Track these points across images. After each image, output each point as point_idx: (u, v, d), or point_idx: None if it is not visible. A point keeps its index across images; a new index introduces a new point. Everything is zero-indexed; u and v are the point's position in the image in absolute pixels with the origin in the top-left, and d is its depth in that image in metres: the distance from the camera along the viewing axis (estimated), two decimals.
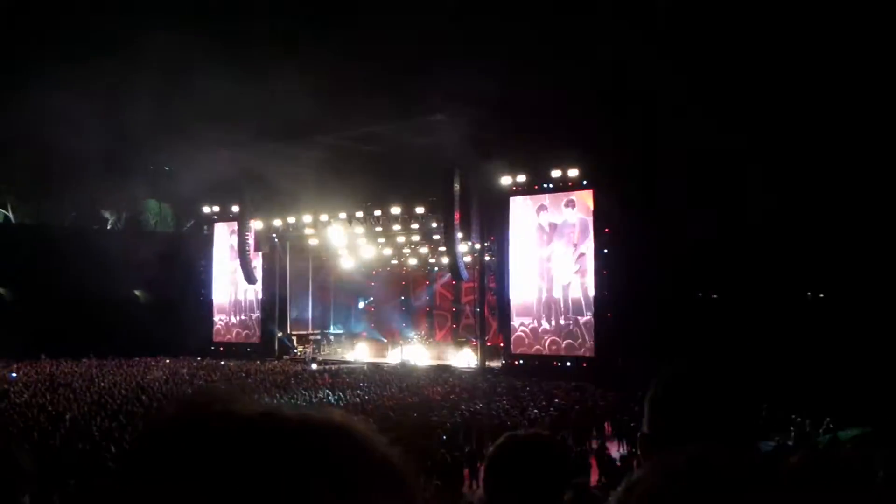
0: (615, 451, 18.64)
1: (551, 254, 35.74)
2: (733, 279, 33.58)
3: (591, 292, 34.49)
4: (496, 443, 2.26)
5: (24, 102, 39.17)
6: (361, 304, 50.07)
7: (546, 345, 35.62)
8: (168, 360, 39.31)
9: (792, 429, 19.38)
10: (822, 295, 34.95)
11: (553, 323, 35.50)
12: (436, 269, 45.78)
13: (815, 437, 19.03)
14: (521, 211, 36.67)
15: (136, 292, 50.12)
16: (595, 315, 34.34)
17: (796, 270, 32.71)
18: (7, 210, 56.73)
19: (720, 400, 1.70)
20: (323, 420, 0.91)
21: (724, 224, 31.71)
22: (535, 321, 36.00)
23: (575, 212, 35.15)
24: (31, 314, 41.00)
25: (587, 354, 34.45)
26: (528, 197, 36.53)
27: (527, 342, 36.22)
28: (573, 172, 34.87)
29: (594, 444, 19.71)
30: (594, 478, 16.64)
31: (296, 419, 0.88)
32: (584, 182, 34.89)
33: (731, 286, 34.31)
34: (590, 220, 34.75)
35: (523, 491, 2.17)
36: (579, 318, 34.83)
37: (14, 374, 31.77)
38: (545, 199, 36.12)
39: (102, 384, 28.28)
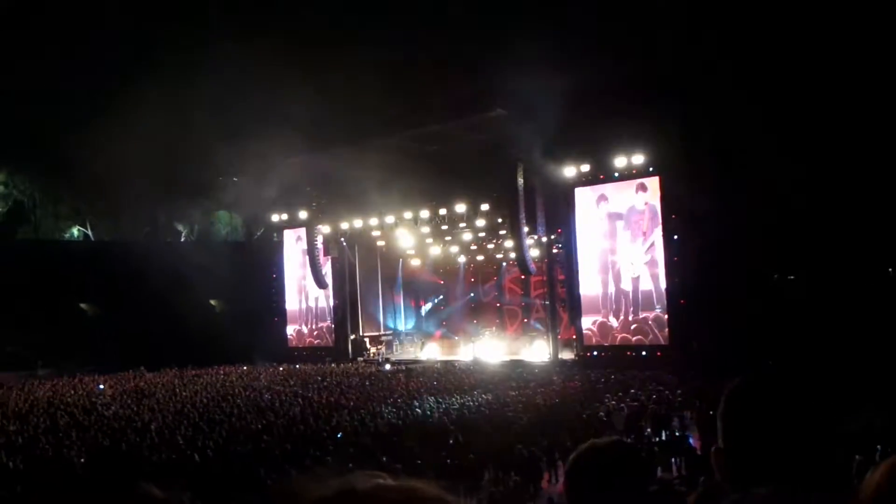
0: (696, 440, 18.25)
1: (618, 245, 35.27)
2: (810, 259, 32.60)
3: (663, 283, 33.92)
4: (576, 451, 2.23)
5: (96, 124, 40.53)
6: (429, 305, 50.28)
7: (616, 341, 35.21)
8: (245, 368, 40.09)
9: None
10: None
11: (622, 318, 35.03)
12: (503, 264, 45.70)
13: None
14: (587, 202, 36.27)
15: (212, 302, 51.32)
16: (668, 302, 33.76)
17: (876, 246, 31.58)
18: (86, 228, 58.78)
19: (793, 413, 1.64)
20: (397, 490, 0.95)
21: (798, 202, 30.84)
22: (604, 318, 35.58)
23: (645, 197, 34.53)
24: (113, 328, 42.38)
25: (662, 343, 33.91)
26: (592, 187, 36.12)
27: (594, 341, 35.87)
28: (638, 159, 34.32)
29: (676, 434, 19.37)
30: (676, 469, 16.38)
31: (370, 493, 0.94)
32: (651, 168, 34.33)
33: (807, 266, 33.32)
34: (658, 206, 34.19)
35: (604, 500, 2.14)
36: (649, 313, 34.28)
37: (101, 386, 32.86)
38: (610, 188, 35.63)
39: (184, 394, 29.01)
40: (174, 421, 21.85)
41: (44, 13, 43.47)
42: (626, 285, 34.93)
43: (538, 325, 42.11)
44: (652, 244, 34.31)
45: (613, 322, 35.26)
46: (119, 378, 36.00)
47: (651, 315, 34.26)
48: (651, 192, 34.45)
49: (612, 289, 35.31)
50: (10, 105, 43.64)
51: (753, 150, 31.48)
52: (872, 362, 23.28)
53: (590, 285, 35.98)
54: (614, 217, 35.42)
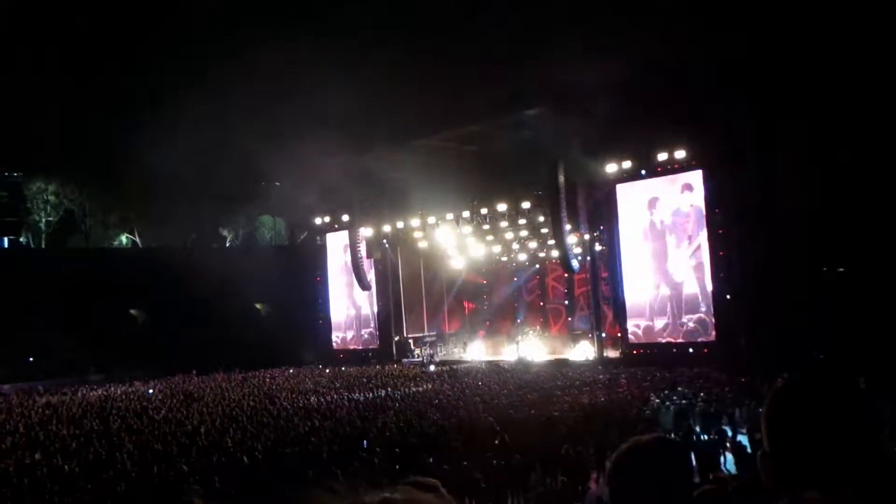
0: (746, 438, 17.92)
1: (664, 248, 34.82)
2: (860, 250, 31.83)
3: (708, 286, 33.42)
4: (618, 450, 2.19)
5: (141, 134, 41.27)
6: (469, 305, 50.18)
7: (661, 341, 34.81)
8: (291, 370, 40.42)
9: None
10: None
11: (667, 321, 34.60)
12: (546, 262, 45.48)
13: None
14: (629, 199, 35.88)
15: (257, 306, 51.91)
16: (714, 300, 33.24)
17: None
18: (134, 236, 59.90)
19: (839, 414, 1.59)
20: None
21: (844, 193, 30.17)
22: (649, 321, 35.21)
23: (691, 198, 33.96)
24: (162, 333, 43.09)
25: (709, 339, 33.42)
26: (635, 183, 35.71)
27: (639, 340, 35.50)
28: (680, 154, 33.87)
29: (726, 432, 19.05)
30: (726, 468, 16.10)
31: None
32: (693, 162, 33.83)
33: (858, 258, 32.55)
34: (703, 204, 33.65)
35: (647, 498, 2.11)
36: (694, 315, 33.81)
37: (150, 391, 33.42)
38: (655, 189, 35.13)
39: (232, 397, 29.36)
40: (223, 424, 22.13)
41: (90, 28, 44.36)
42: (671, 289, 34.48)
43: (583, 325, 41.77)
44: (698, 247, 33.79)
45: (659, 324, 34.86)
46: (168, 382, 36.58)
47: (696, 317, 33.78)
48: (696, 192, 33.88)
49: (656, 292, 34.88)
50: (59, 118, 44.63)
51: (796, 140, 30.89)
52: None
53: (634, 287, 35.62)
54: (659, 218, 34.98)
